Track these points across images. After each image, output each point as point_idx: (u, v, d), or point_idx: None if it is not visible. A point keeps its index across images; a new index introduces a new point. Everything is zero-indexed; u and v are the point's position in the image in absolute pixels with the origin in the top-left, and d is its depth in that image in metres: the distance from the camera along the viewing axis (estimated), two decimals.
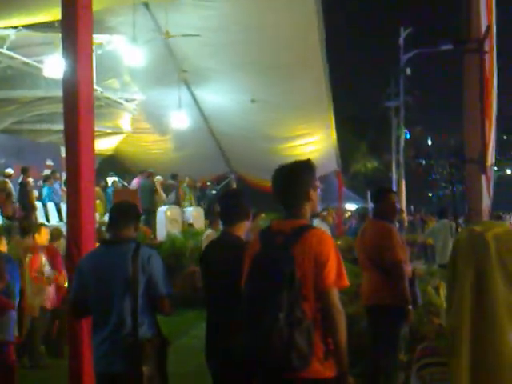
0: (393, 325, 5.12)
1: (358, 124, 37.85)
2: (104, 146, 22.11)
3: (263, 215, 13.69)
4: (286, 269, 3.04)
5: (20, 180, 15.46)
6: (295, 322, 2.97)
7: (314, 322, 3.06)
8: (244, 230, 4.10)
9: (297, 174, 3.35)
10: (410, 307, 5.10)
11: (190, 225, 15.35)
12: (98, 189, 17.15)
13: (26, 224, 9.73)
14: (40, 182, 17.77)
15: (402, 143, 26.29)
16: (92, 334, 3.98)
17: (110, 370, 3.84)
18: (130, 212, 4.16)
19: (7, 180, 15.33)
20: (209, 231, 12.62)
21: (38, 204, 15.87)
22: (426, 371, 1.96)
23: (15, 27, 13.80)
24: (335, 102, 19.32)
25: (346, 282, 3.17)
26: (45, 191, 16.29)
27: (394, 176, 27.12)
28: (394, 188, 24.22)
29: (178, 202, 18.25)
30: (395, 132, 26.80)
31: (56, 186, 16.62)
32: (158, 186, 17.81)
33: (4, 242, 7.90)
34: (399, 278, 5.08)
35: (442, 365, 1.88)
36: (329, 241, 3.18)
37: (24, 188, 15.05)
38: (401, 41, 25.84)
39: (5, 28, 13.78)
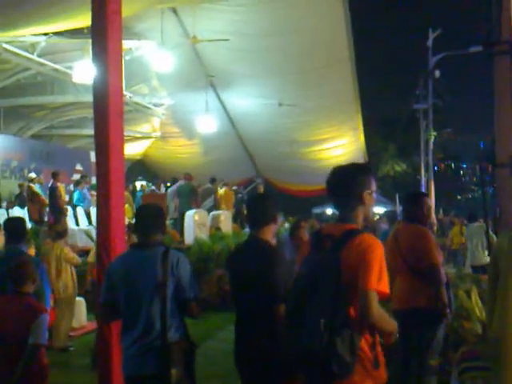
0: (428, 329, 5.05)
1: (386, 126, 37.56)
2: (133, 150, 22.32)
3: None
4: (331, 274, 2.99)
5: (50, 184, 15.65)
6: (338, 328, 2.91)
7: (360, 329, 2.99)
8: (271, 233, 4.07)
9: (351, 176, 3.26)
10: (448, 311, 5.03)
11: (218, 228, 15.37)
12: (126, 193, 17.27)
13: (58, 228, 9.86)
14: (70, 187, 17.99)
15: (431, 145, 26.05)
16: (121, 336, 4.00)
17: (138, 372, 3.85)
18: (158, 216, 4.19)
19: (32, 184, 15.57)
20: None
21: (68, 208, 16.07)
22: (467, 375, 1.93)
23: (45, 34, 13.99)
24: (363, 104, 19.22)
25: (387, 289, 3.03)
26: (75, 195, 16.46)
27: (423, 178, 26.87)
28: (423, 191, 24.00)
29: (215, 207, 18.20)
30: (424, 134, 26.55)
31: (85, 190, 16.80)
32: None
33: (32, 245, 7.99)
34: (437, 282, 5.01)
35: (484, 369, 1.85)
36: (377, 247, 3.06)
37: (54, 192, 15.23)
38: (429, 43, 25.61)
39: (35, 35, 13.98)
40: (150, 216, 4.14)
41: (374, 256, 3.01)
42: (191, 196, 16.85)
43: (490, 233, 12.04)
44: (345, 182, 3.24)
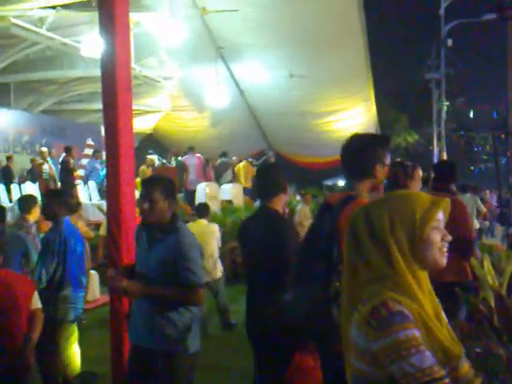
0: (453, 305, 4.99)
1: (398, 97, 37.20)
2: (143, 124, 22.27)
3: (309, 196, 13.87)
4: (323, 243, 3.00)
5: (62, 159, 15.69)
6: (333, 296, 2.90)
7: None
8: (281, 203, 4.04)
9: (366, 146, 3.13)
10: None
11: (229, 201, 15.37)
12: (143, 167, 17.27)
13: (71, 202, 9.87)
14: (82, 161, 18.02)
15: (444, 116, 25.83)
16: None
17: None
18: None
19: (37, 158, 15.74)
20: (300, 206, 13.05)
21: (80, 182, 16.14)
22: None
23: (53, 7, 13.89)
24: (374, 74, 19.05)
25: None
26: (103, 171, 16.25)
27: (435, 149, 26.68)
28: (435, 161, 23.81)
29: (235, 180, 18.22)
30: (436, 104, 26.30)
31: (97, 164, 16.83)
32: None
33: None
34: (473, 255, 4.93)
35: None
36: None
37: (65, 166, 15.30)
38: (441, 11, 25.23)
39: (43, 8, 13.87)
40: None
41: None
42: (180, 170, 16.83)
43: (479, 202, 12.53)
44: (358, 152, 3.12)
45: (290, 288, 3.20)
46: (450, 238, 1.93)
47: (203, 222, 8.46)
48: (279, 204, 4.01)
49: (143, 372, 3.68)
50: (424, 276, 1.93)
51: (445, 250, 1.93)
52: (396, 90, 37.74)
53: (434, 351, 1.78)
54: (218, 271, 8.40)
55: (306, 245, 3.20)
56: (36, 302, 4.40)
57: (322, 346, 3.17)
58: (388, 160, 3.17)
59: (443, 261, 1.93)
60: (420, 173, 5.06)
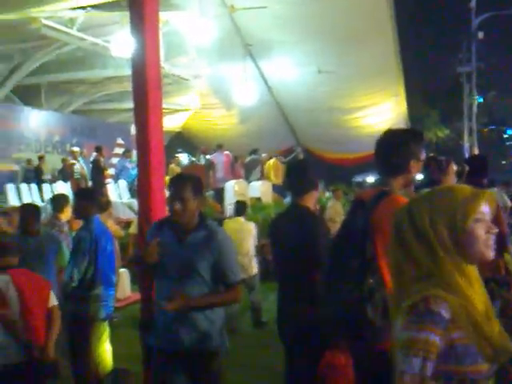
0: (490, 297, 4.91)
1: (428, 91, 36.79)
2: (173, 123, 22.38)
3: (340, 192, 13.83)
4: (357, 239, 2.95)
5: (93, 158, 15.84)
6: (366, 293, 2.87)
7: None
8: (312, 200, 4.04)
9: (401, 142, 3.08)
10: None
11: (258, 199, 15.37)
12: (173, 165, 17.35)
13: (101, 200, 9.96)
14: (112, 160, 18.18)
15: (475, 110, 25.50)
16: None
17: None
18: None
19: (68, 158, 15.92)
20: (331, 202, 13.08)
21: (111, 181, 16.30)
22: None
23: (83, 8, 14.00)
24: (404, 69, 18.84)
25: None
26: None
27: (466, 144, 26.35)
28: (467, 156, 23.54)
29: (263, 177, 18.20)
30: (467, 98, 25.98)
31: (127, 163, 16.96)
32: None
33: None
34: (506, 250, 4.86)
35: None
36: None
37: (96, 165, 15.45)
38: (472, 3, 24.91)
39: (73, 9, 14.00)
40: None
41: None
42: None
43: (505, 197, 12.36)
44: (392, 148, 3.07)
45: (323, 285, 3.17)
46: (496, 230, 1.91)
47: (241, 219, 8.75)
48: (310, 201, 4.00)
49: (180, 376, 3.63)
50: (473, 271, 1.92)
51: (491, 242, 1.91)
52: (426, 84, 37.28)
53: (481, 347, 1.79)
54: (254, 268, 8.58)
55: (339, 241, 3.16)
56: (52, 300, 4.46)
57: (354, 345, 3.14)
58: (423, 155, 3.12)
59: (490, 254, 1.91)
60: (454, 167, 5.00)
